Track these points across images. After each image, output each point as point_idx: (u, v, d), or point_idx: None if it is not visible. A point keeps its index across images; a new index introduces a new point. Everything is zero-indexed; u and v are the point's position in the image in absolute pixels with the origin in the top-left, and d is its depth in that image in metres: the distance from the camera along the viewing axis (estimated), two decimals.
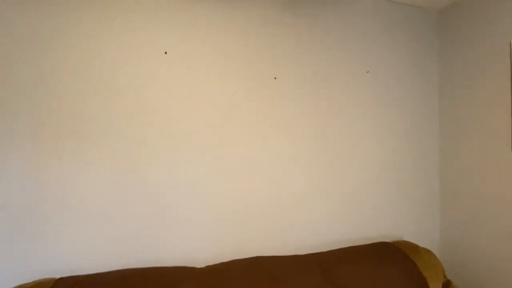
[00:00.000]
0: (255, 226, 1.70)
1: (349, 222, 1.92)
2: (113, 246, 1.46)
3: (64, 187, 1.39)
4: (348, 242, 1.90)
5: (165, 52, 1.56)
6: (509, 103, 1.73)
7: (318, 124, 1.85)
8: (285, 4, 1.79)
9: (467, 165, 1.97)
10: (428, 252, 1.72)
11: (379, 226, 1.99)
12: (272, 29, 1.76)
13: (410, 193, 2.08)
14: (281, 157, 1.76)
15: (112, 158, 1.47)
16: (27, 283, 1.24)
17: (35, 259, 1.35)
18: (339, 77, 1.91)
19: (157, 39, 1.55)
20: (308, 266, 1.52)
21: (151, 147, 1.53)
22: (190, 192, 1.59)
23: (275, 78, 1.76)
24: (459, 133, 2.03)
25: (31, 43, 1.37)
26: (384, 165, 2.01)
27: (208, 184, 1.62)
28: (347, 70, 1.93)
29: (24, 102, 1.35)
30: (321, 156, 1.85)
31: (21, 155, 1.34)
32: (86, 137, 1.43)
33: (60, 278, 1.27)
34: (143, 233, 1.51)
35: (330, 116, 1.88)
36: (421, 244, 2.05)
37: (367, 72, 1.98)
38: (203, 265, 1.55)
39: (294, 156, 1.79)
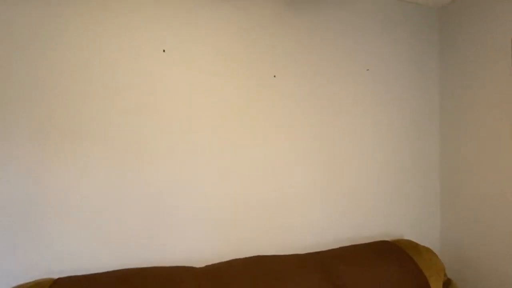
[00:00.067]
0: (255, 226, 1.70)
1: (349, 221, 1.91)
2: (113, 246, 1.46)
3: (64, 187, 1.40)
4: (348, 241, 1.90)
5: (163, 50, 1.56)
6: (511, 101, 1.72)
7: (318, 123, 1.85)
8: (285, 2, 1.79)
9: (467, 163, 1.97)
10: (428, 250, 1.72)
11: (379, 225, 1.99)
12: (271, 28, 1.76)
13: (410, 192, 2.07)
14: (281, 156, 1.76)
15: (112, 158, 1.47)
16: (26, 283, 1.24)
17: (35, 259, 1.35)
18: (339, 76, 1.90)
19: (157, 39, 1.55)
20: (308, 265, 1.52)
21: (151, 147, 1.53)
22: (190, 192, 1.59)
23: (275, 76, 1.75)
24: (459, 131, 2.02)
25: (31, 43, 1.37)
26: (384, 163, 2.00)
27: (208, 183, 1.62)
28: (347, 68, 1.92)
29: (24, 102, 1.36)
30: (321, 155, 1.85)
31: (21, 155, 1.34)
32: (86, 137, 1.44)
33: (59, 278, 1.27)
34: (143, 233, 1.51)
35: (330, 115, 1.87)
36: (421, 243, 2.04)
37: (367, 70, 1.97)
38: (203, 265, 1.55)
39: (294, 155, 1.79)
